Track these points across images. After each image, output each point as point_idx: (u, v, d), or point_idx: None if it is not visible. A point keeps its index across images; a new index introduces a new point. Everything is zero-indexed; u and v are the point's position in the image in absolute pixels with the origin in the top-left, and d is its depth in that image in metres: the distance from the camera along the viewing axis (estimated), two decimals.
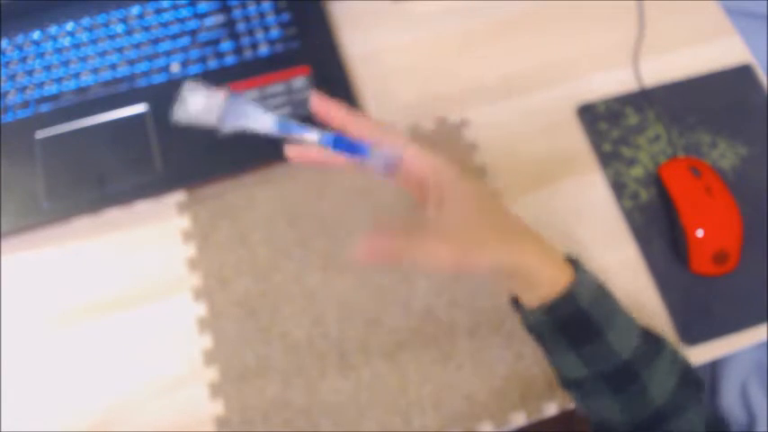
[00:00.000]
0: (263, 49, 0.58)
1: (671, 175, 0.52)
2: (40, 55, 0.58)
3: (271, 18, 0.59)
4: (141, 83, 0.56)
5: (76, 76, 0.57)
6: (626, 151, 0.55)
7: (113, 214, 0.54)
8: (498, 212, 0.39)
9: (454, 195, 0.37)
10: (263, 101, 0.55)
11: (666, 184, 0.52)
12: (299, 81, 0.56)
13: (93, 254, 0.52)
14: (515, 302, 0.43)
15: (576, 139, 0.56)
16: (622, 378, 0.39)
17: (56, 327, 0.50)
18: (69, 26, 0.59)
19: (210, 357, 0.49)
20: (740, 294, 0.50)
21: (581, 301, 0.38)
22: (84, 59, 0.58)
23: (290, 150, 0.41)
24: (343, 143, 0.38)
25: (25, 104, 0.56)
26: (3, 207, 0.52)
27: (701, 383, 0.41)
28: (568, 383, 0.42)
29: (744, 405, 0.71)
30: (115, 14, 0.59)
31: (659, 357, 0.40)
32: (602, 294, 0.40)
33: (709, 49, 0.59)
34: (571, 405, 0.47)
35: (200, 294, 0.51)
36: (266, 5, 0.59)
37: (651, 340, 0.41)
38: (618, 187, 0.53)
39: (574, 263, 0.40)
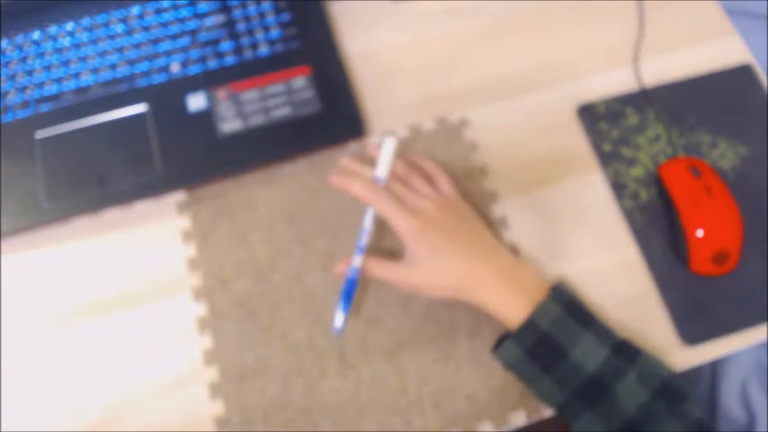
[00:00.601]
0: (263, 49, 0.58)
1: (671, 174, 0.52)
2: (40, 55, 0.58)
3: (271, 18, 0.59)
4: (141, 83, 0.56)
5: (76, 76, 0.57)
6: (626, 151, 0.55)
7: (113, 214, 0.54)
8: (459, 257, 0.45)
9: (416, 253, 0.45)
10: (264, 101, 0.55)
11: (666, 183, 0.52)
12: (299, 81, 0.56)
13: (93, 254, 0.52)
14: (494, 351, 0.47)
15: (576, 139, 0.56)
16: (593, 391, 0.42)
17: (56, 327, 0.50)
18: (69, 26, 0.59)
19: (210, 357, 0.49)
20: (740, 294, 0.50)
21: (541, 325, 0.43)
22: (84, 59, 0.58)
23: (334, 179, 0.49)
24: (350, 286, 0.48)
25: (25, 104, 0.56)
26: (3, 207, 0.52)
27: (681, 395, 0.42)
28: (558, 411, 0.44)
29: (744, 405, 0.71)
30: (115, 14, 0.59)
31: (630, 369, 0.42)
32: (568, 314, 0.43)
33: (709, 49, 0.59)
34: None
35: (200, 294, 0.51)
36: (266, 5, 0.59)
37: (625, 353, 0.43)
38: (618, 187, 0.53)
39: (555, 286, 0.45)
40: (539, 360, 0.43)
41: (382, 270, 0.47)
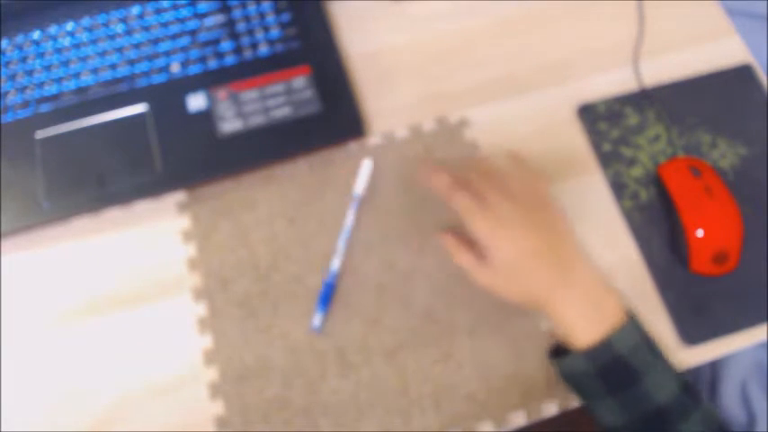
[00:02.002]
0: (263, 49, 0.58)
1: (671, 174, 0.52)
2: (40, 55, 0.58)
3: (271, 18, 0.59)
4: (141, 83, 0.56)
5: (76, 76, 0.57)
6: (626, 151, 0.55)
7: (113, 214, 0.54)
8: (541, 274, 0.43)
9: (499, 263, 0.44)
10: (264, 101, 0.55)
11: (666, 183, 0.52)
12: (299, 81, 0.56)
13: (93, 254, 0.52)
14: (552, 356, 0.46)
15: (576, 139, 0.56)
16: (657, 423, 0.41)
17: (56, 327, 0.50)
18: (69, 26, 0.59)
19: (210, 357, 0.49)
20: (740, 294, 0.50)
21: (620, 349, 0.41)
22: (84, 59, 0.58)
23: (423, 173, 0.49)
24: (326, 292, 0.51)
25: (25, 104, 0.56)
26: (3, 207, 0.52)
27: None
28: (608, 430, 0.43)
29: (744, 405, 0.71)
30: (115, 14, 0.59)
31: (695, 410, 0.41)
32: (644, 344, 0.42)
33: (709, 49, 0.59)
34: (571, 405, 0.47)
35: (200, 294, 0.51)
36: (266, 5, 0.59)
37: (691, 391, 0.42)
38: (618, 187, 0.53)
39: (631, 314, 0.44)
40: (607, 380, 0.42)
41: (467, 263, 0.46)
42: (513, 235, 0.43)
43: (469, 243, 0.47)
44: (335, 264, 0.51)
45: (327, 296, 0.50)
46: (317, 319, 0.49)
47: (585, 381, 0.43)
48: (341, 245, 0.51)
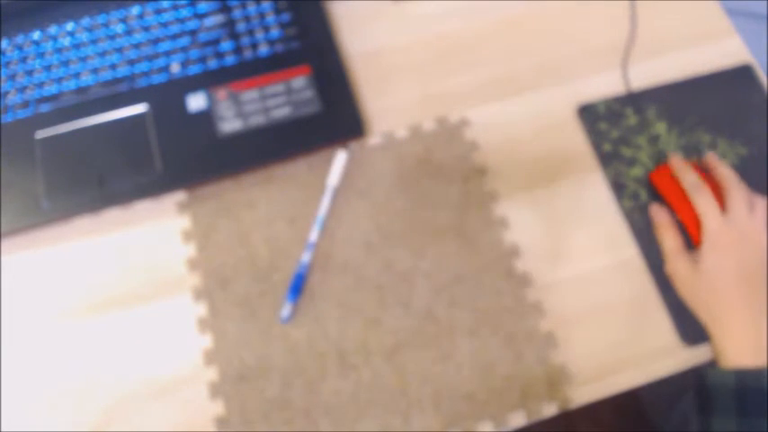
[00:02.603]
0: (263, 49, 0.58)
1: (661, 180, 0.52)
2: (40, 55, 0.58)
3: (271, 18, 0.59)
4: (141, 83, 0.56)
5: (76, 76, 0.57)
6: (626, 151, 0.55)
7: (113, 214, 0.54)
8: (738, 298, 0.46)
9: (709, 271, 0.47)
10: (264, 101, 0.55)
11: (660, 190, 0.52)
12: (299, 81, 0.56)
13: (94, 254, 0.52)
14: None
15: (576, 139, 0.56)
16: None
17: (55, 327, 0.50)
18: (69, 26, 0.59)
19: (210, 357, 0.49)
20: None
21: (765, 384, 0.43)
22: (84, 59, 0.58)
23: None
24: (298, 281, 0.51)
25: (25, 104, 0.56)
26: (3, 207, 0.52)
27: None
28: None
29: None
30: (115, 14, 0.59)
31: None
32: None
33: (709, 49, 0.59)
34: (571, 405, 0.47)
35: (200, 294, 0.51)
36: (266, 5, 0.59)
37: None
38: (618, 187, 0.53)
39: None
40: (741, 402, 0.43)
41: (674, 244, 0.49)
42: (741, 256, 0.46)
43: (677, 229, 0.50)
44: (307, 255, 0.51)
45: (297, 287, 0.50)
46: (285, 310, 0.50)
47: (720, 394, 0.43)
48: (313, 236, 0.51)
